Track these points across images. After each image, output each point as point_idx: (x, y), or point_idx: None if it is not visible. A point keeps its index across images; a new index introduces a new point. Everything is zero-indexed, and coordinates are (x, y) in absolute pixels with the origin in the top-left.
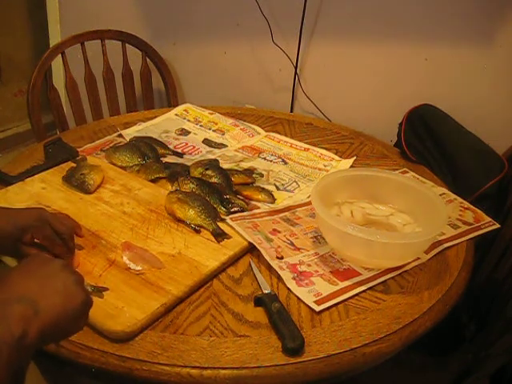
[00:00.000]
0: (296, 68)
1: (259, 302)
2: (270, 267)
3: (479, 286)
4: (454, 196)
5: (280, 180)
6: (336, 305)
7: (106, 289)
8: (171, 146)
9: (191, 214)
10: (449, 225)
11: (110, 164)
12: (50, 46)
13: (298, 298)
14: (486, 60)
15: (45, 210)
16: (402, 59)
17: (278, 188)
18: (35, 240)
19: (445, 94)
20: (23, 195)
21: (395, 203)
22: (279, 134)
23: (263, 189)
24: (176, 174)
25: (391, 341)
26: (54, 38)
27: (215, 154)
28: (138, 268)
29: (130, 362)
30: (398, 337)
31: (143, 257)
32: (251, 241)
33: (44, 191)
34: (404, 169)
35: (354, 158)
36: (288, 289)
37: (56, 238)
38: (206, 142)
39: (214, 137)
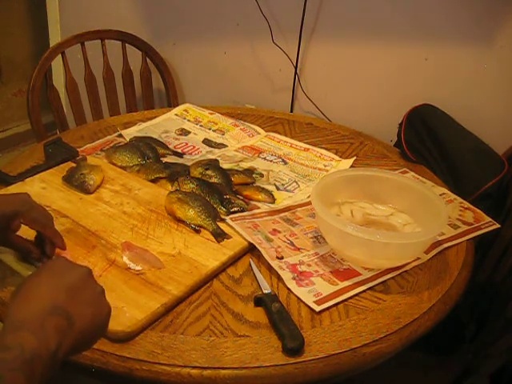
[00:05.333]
0: (296, 68)
1: (259, 302)
2: (270, 267)
3: (479, 286)
4: (454, 196)
5: (280, 180)
6: (336, 305)
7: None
8: (171, 146)
9: (191, 213)
10: (449, 225)
11: (110, 164)
12: (50, 45)
13: (298, 298)
14: (487, 60)
15: (28, 195)
16: (402, 59)
17: (278, 188)
18: (23, 224)
19: (445, 93)
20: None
21: (395, 203)
22: (279, 134)
23: (263, 189)
24: (176, 173)
25: (391, 341)
26: (54, 38)
27: (215, 154)
28: (138, 268)
29: (130, 362)
30: (398, 337)
31: (143, 257)
32: (251, 241)
33: (44, 191)
34: (404, 169)
35: (354, 158)
36: (288, 289)
37: (47, 221)
38: (206, 141)
39: (214, 137)
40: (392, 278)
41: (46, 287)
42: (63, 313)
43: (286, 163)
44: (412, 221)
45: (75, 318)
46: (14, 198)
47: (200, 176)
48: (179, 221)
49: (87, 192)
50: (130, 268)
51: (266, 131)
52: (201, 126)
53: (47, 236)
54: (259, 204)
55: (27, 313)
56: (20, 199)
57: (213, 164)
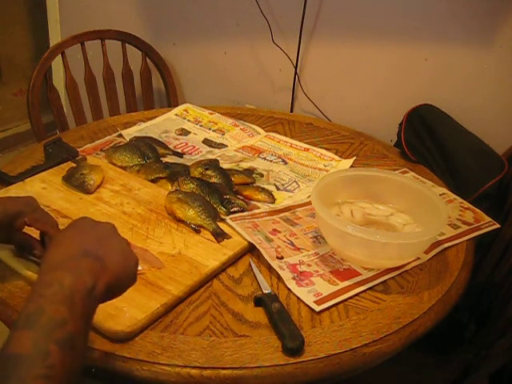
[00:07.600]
0: (296, 68)
1: (259, 301)
2: (270, 267)
3: (479, 286)
4: (453, 196)
5: (280, 180)
6: (336, 305)
7: None
8: (171, 146)
9: (191, 214)
10: (449, 225)
11: (110, 164)
12: (50, 45)
13: (298, 298)
14: (487, 60)
15: (34, 199)
16: (402, 59)
17: (278, 188)
18: (27, 225)
19: (445, 93)
20: (23, 195)
21: (395, 203)
22: (279, 134)
23: (263, 189)
24: (176, 173)
25: (391, 341)
26: (54, 38)
27: (215, 154)
28: (138, 268)
29: (130, 362)
30: (398, 337)
31: (143, 257)
32: (251, 241)
33: (44, 191)
34: (404, 169)
35: (354, 158)
36: (288, 289)
37: (48, 220)
38: (206, 142)
39: (214, 137)
40: (392, 277)
41: (78, 237)
42: (95, 256)
43: (286, 163)
44: (412, 221)
45: (106, 261)
46: (19, 199)
47: (200, 176)
48: (179, 221)
49: (87, 192)
50: None
51: (266, 131)
52: (201, 125)
53: (50, 235)
54: (259, 204)
55: (62, 256)
56: (24, 201)
57: (213, 164)
